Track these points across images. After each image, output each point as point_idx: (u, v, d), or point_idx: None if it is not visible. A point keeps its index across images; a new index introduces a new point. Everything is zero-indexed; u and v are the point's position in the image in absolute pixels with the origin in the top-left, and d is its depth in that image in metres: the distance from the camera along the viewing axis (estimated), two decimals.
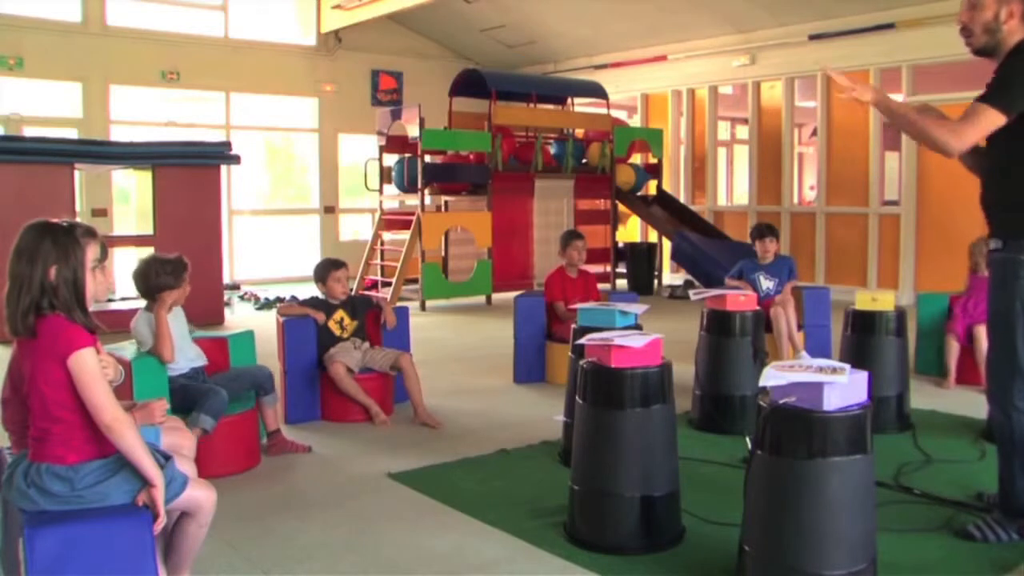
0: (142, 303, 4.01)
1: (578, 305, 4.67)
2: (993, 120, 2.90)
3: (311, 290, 5.81)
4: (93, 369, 2.29)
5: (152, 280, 3.90)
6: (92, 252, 2.40)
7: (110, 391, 2.32)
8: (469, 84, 10.61)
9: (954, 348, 5.71)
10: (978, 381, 5.48)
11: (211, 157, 8.67)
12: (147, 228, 8.45)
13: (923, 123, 2.99)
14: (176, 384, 3.94)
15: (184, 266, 4.00)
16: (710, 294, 4.91)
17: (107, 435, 2.30)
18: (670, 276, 11.90)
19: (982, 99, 2.92)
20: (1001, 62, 3.01)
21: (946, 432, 4.60)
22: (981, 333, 5.36)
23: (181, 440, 2.90)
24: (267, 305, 9.75)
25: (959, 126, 2.93)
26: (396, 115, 10.09)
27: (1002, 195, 3.07)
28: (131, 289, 4.03)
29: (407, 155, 9.90)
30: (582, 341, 3.34)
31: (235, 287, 11.08)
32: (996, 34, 3.02)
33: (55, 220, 2.40)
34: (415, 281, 9.71)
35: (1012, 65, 2.96)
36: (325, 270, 5.07)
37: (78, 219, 2.58)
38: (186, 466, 2.59)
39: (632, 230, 12.70)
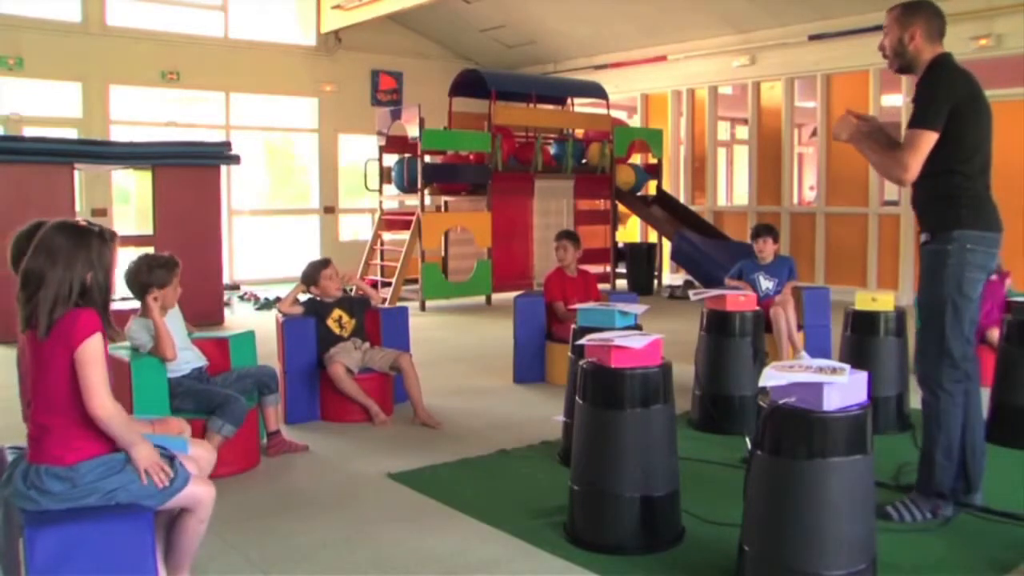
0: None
1: (578, 305, 4.67)
2: (927, 140, 3.18)
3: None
4: (99, 355, 2.33)
5: (143, 277, 3.88)
6: (115, 255, 2.46)
7: (107, 381, 2.35)
8: (469, 84, 10.60)
9: None
10: (985, 383, 5.46)
11: (211, 157, 8.67)
12: (147, 228, 8.46)
13: (880, 156, 3.30)
14: (183, 387, 3.93)
15: (175, 264, 3.99)
16: (710, 294, 4.91)
17: (96, 422, 2.32)
18: (670, 276, 11.90)
19: (911, 125, 3.20)
20: (918, 82, 3.31)
21: None
22: (994, 336, 5.20)
23: (201, 451, 2.86)
24: (267, 305, 9.74)
25: (902, 156, 3.20)
26: (396, 115, 10.08)
27: (927, 193, 3.32)
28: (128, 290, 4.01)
29: (407, 155, 9.90)
30: (582, 341, 3.34)
31: (235, 287, 11.07)
32: (905, 55, 3.34)
33: (83, 222, 2.43)
34: (415, 281, 9.71)
35: (926, 85, 3.27)
36: (315, 271, 5.07)
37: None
38: (189, 465, 2.59)
39: (632, 230, 12.69)
